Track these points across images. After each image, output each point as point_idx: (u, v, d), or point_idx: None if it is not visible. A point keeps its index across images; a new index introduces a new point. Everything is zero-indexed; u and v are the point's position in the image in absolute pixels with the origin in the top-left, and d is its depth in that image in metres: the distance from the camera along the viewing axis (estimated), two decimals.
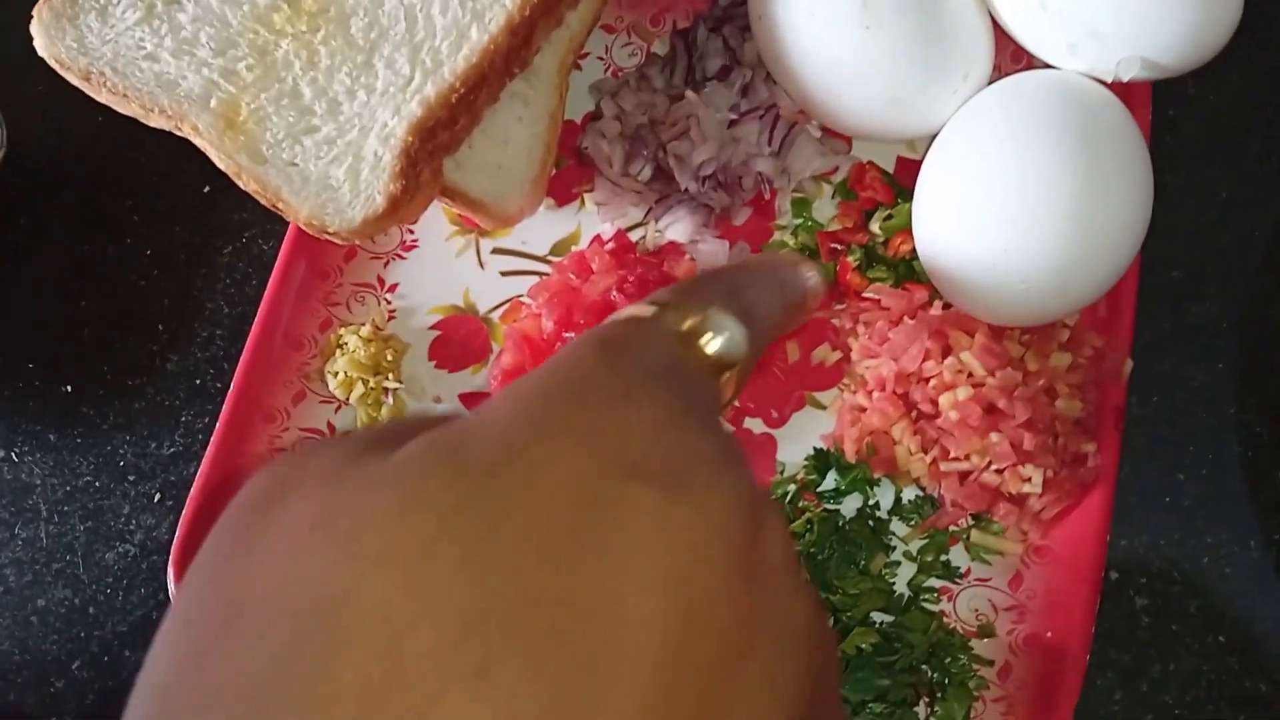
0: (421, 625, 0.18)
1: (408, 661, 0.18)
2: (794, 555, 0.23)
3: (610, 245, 0.53)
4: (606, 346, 0.25)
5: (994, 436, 0.45)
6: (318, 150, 0.46)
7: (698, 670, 0.19)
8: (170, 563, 0.48)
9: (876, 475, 0.48)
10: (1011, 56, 0.52)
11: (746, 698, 0.20)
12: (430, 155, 0.47)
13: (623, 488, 0.20)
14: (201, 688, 0.19)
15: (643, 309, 0.28)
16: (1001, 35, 0.49)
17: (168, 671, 0.20)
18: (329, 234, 0.46)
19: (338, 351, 0.52)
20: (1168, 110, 0.53)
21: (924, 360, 0.47)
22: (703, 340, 0.27)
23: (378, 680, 0.17)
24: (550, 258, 0.54)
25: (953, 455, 0.46)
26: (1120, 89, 0.46)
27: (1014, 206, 0.43)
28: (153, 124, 0.47)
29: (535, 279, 0.53)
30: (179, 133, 0.46)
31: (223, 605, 0.20)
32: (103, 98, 0.47)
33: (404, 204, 0.46)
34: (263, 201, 0.46)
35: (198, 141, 0.46)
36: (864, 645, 0.44)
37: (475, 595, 0.18)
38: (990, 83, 0.48)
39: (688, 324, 0.27)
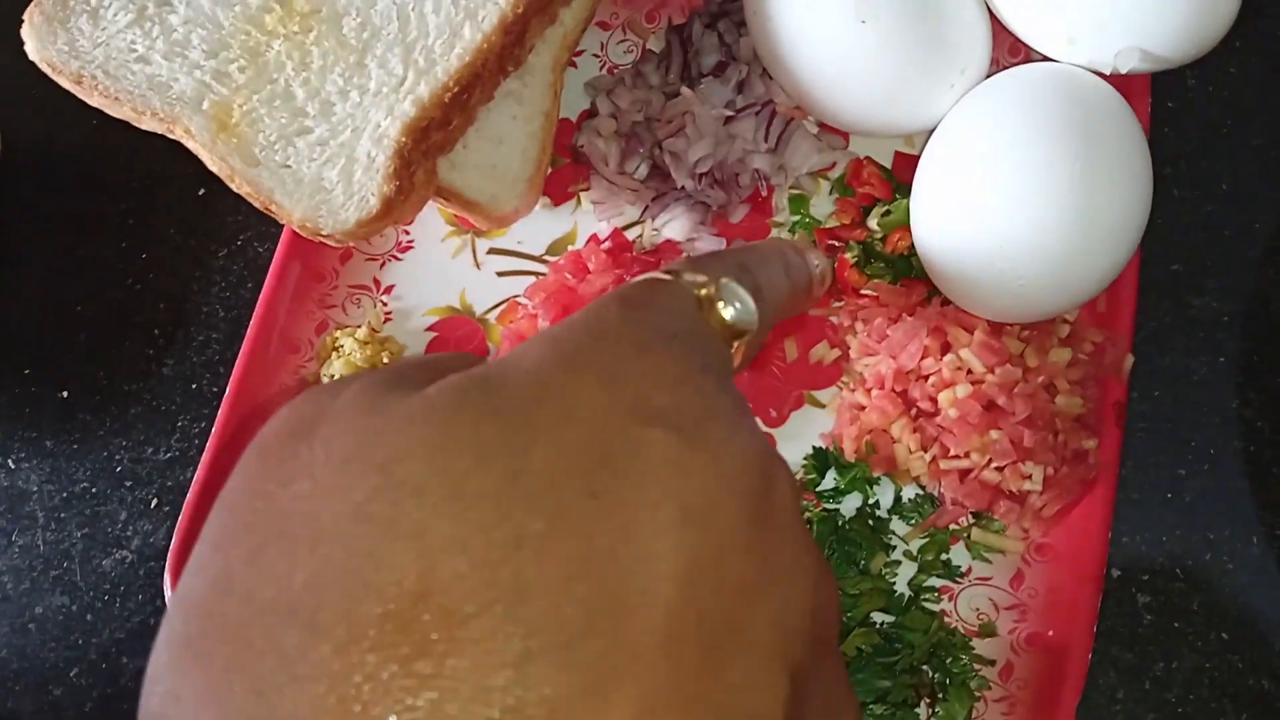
0: (456, 551, 0.19)
1: (444, 583, 0.18)
2: (799, 508, 0.25)
3: (607, 244, 0.53)
4: (629, 303, 0.26)
5: (994, 434, 0.45)
6: (310, 152, 0.46)
7: (712, 605, 0.20)
8: (167, 569, 0.47)
9: (876, 474, 0.48)
10: (1010, 50, 0.51)
11: (756, 635, 0.21)
12: (424, 155, 0.46)
13: (644, 431, 0.21)
14: (240, 604, 0.19)
15: (660, 275, 0.29)
16: (999, 28, 0.48)
17: (204, 591, 0.20)
18: (323, 236, 0.45)
19: (334, 354, 0.51)
20: (1167, 102, 0.53)
21: (923, 357, 0.47)
22: (717, 306, 0.28)
23: (414, 599, 0.18)
24: (546, 257, 0.54)
25: (952, 453, 0.46)
26: (1119, 81, 0.45)
27: (1012, 202, 0.43)
28: (145, 127, 0.46)
29: (532, 279, 0.53)
30: (171, 135, 0.46)
31: (259, 529, 0.21)
32: (94, 101, 0.46)
33: (398, 205, 0.46)
34: (255, 204, 0.45)
35: (190, 144, 0.46)
36: (864, 646, 0.43)
37: (507, 525, 0.19)
38: (988, 76, 0.48)
39: (703, 291, 0.28)
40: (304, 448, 0.22)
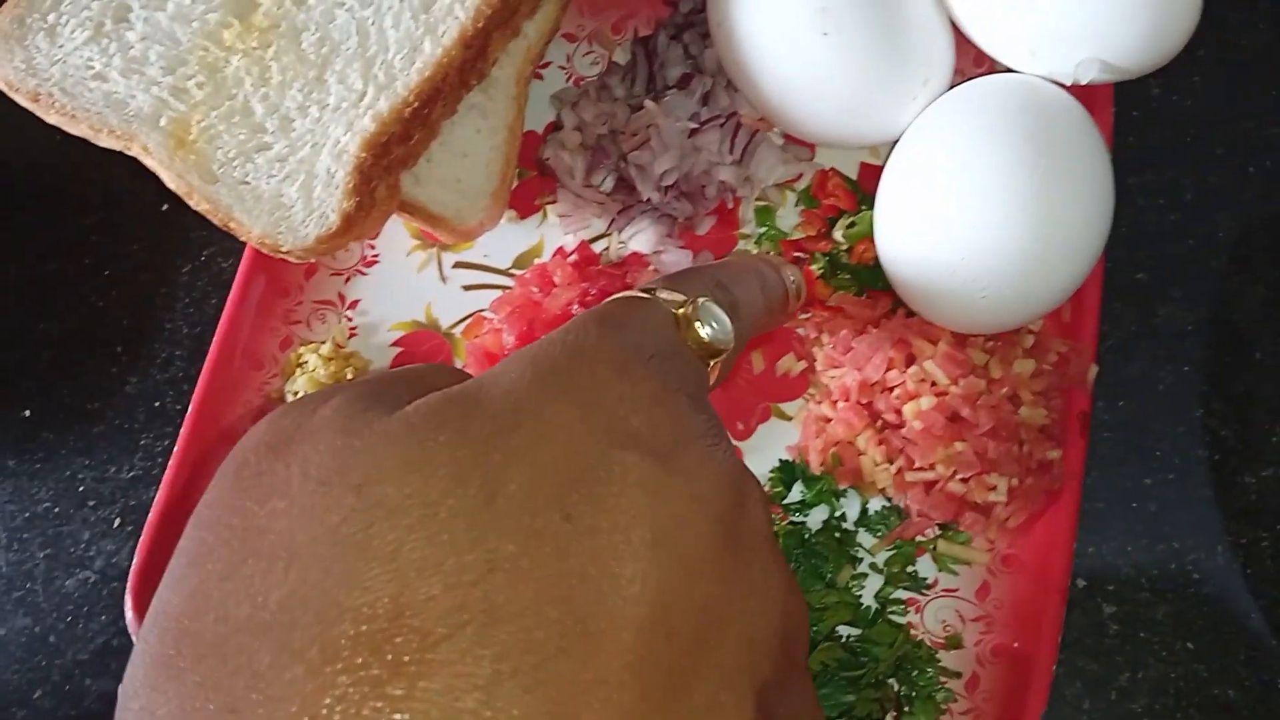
0: (429, 573, 0.19)
1: (416, 605, 0.19)
2: (771, 526, 0.25)
3: (573, 257, 0.52)
4: (607, 322, 0.26)
5: (958, 445, 0.45)
6: (270, 168, 0.45)
7: (682, 626, 0.21)
8: (128, 590, 0.47)
9: (842, 486, 0.48)
10: (974, 60, 0.51)
11: (724, 655, 0.22)
12: (385, 171, 0.46)
13: (619, 454, 0.22)
14: (216, 622, 0.20)
15: (638, 293, 0.29)
16: (962, 39, 0.48)
17: (179, 607, 0.21)
18: (283, 253, 0.45)
19: (298, 370, 0.51)
20: (1131, 111, 0.53)
21: (887, 369, 0.46)
22: (695, 325, 0.29)
23: (387, 621, 0.18)
24: (513, 271, 0.53)
25: (918, 465, 0.46)
26: (1081, 91, 0.45)
27: (972, 214, 0.43)
28: (103, 144, 0.46)
29: (498, 293, 0.53)
30: (129, 153, 0.46)
31: (235, 546, 0.21)
32: (52, 119, 0.46)
33: (359, 221, 0.45)
34: (215, 221, 0.45)
35: (148, 162, 0.45)
36: (829, 661, 0.43)
37: (480, 548, 0.19)
38: (952, 87, 0.48)
39: (681, 310, 0.29)
40: (281, 465, 0.22)
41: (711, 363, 0.29)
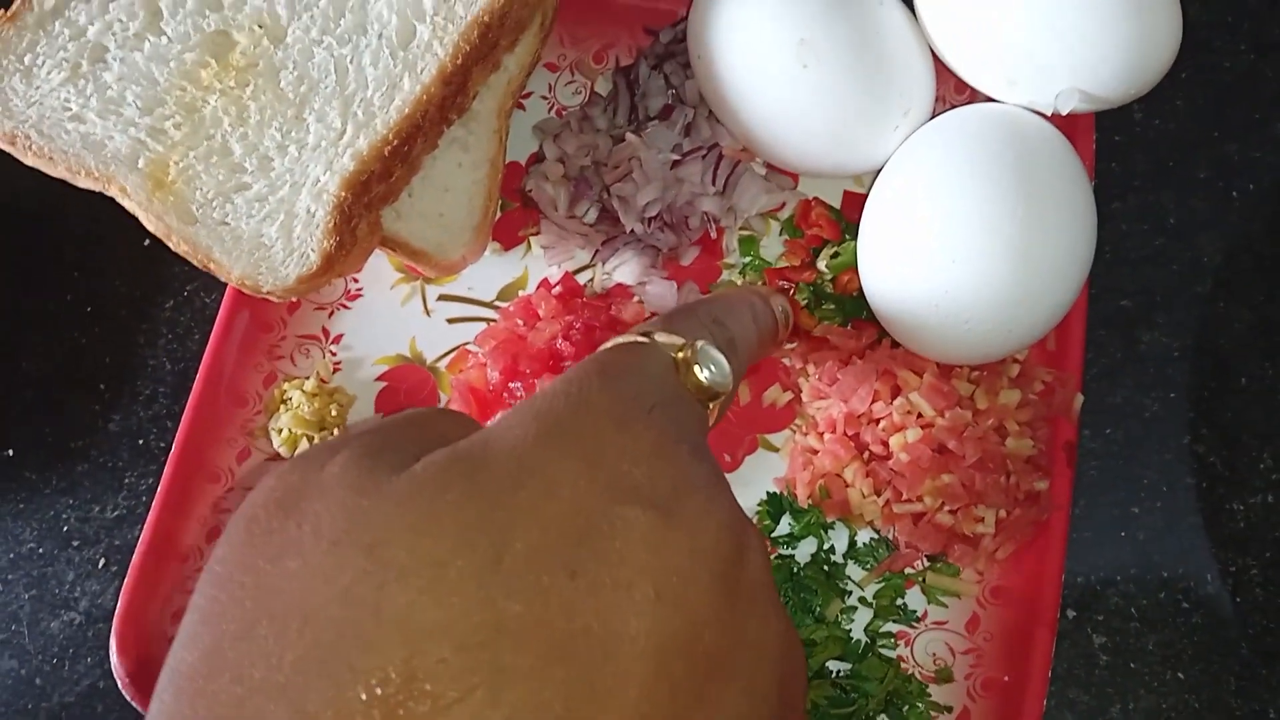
0: (440, 636, 0.19)
1: (428, 669, 0.19)
2: (769, 574, 0.25)
3: (558, 289, 0.52)
4: (608, 373, 0.26)
5: (945, 477, 0.45)
6: (249, 208, 0.45)
7: (687, 682, 0.21)
8: (113, 633, 0.46)
9: (830, 519, 0.47)
10: (955, 87, 0.51)
11: (725, 705, 0.22)
12: (366, 208, 0.46)
13: (622, 510, 0.22)
14: (231, 683, 0.20)
15: (637, 338, 0.30)
16: (943, 68, 0.48)
17: (195, 665, 0.21)
18: (264, 293, 0.45)
19: (281, 407, 0.51)
20: (1114, 136, 0.53)
21: (873, 401, 0.46)
22: (694, 369, 0.29)
23: (399, 685, 0.19)
24: (497, 303, 0.53)
25: (905, 497, 0.45)
26: (1062, 119, 0.45)
27: (954, 245, 0.43)
28: (81, 185, 0.46)
29: (483, 325, 0.52)
30: (108, 193, 0.45)
31: (248, 606, 0.21)
32: (29, 160, 0.46)
33: (340, 260, 0.45)
34: (194, 263, 0.45)
35: (126, 203, 0.45)
36: (820, 700, 0.43)
37: (489, 609, 0.20)
38: (933, 116, 0.48)
39: (680, 355, 0.29)
40: (292, 524, 0.22)
41: (711, 405, 0.29)
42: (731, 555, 0.23)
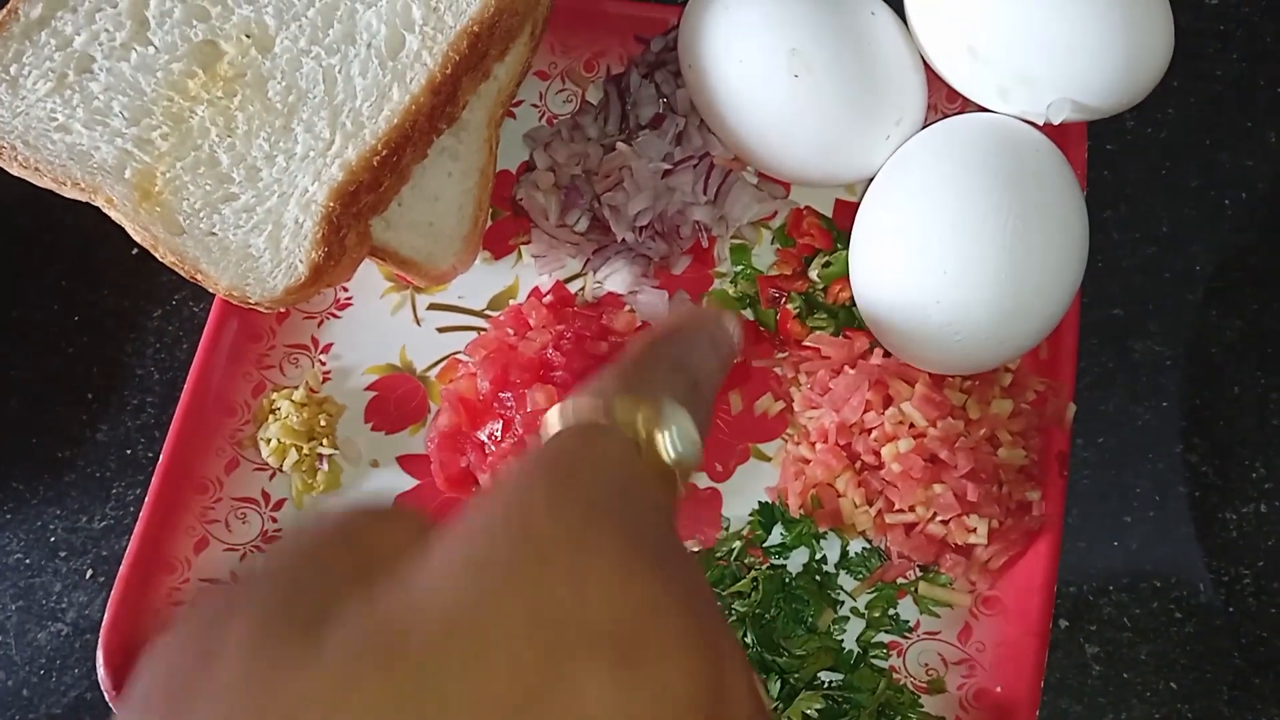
0: None
1: None
2: (759, 698, 0.22)
3: (549, 298, 0.52)
4: (555, 480, 0.23)
5: (937, 488, 0.44)
6: (236, 219, 0.45)
7: None
8: (100, 645, 0.46)
9: (822, 529, 0.47)
10: (947, 97, 0.51)
11: None
12: (355, 219, 0.45)
13: (573, 666, 0.19)
14: None
15: (592, 402, 0.27)
16: (935, 77, 0.48)
17: None
18: (252, 304, 0.45)
19: (270, 417, 0.50)
20: (1106, 144, 0.53)
21: (865, 411, 0.46)
22: (658, 443, 0.26)
23: None
24: (488, 312, 0.53)
25: (897, 507, 0.45)
26: (1054, 129, 0.45)
27: (945, 256, 0.42)
28: (68, 195, 0.45)
29: (473, 334, 0.52)
30: (94, 203, 0.45)
31: None
32: (15, 171, 0.45)
33: (328, 270, 0.45)
34: (181, 273, 0.45)
35: (113, 214, 0.45)
36: (810, 711, 0.43)
37: None
38: (927, 124, 0.48)
39: (641, 421, 0.26)
40: (202, 694, 0.20)
41: (678, 482, 0.27)
42: (708, 696, 0.21)
